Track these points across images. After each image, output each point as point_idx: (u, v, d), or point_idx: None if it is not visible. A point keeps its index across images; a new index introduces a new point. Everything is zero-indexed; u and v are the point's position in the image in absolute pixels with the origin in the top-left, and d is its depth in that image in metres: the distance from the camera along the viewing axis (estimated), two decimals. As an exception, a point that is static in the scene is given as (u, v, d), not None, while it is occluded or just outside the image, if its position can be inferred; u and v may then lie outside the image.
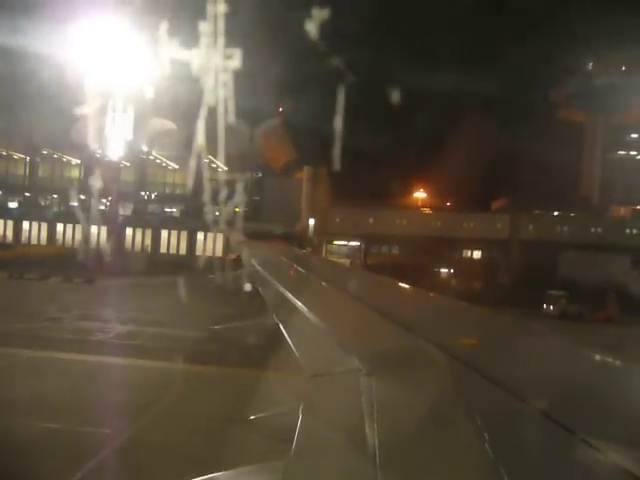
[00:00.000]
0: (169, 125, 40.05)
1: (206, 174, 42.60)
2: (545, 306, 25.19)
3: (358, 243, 41.41)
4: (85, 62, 28.32)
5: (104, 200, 36.57)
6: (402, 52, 45.02)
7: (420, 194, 49.65)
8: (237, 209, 36.36)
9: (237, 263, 18.92)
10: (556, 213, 44.62)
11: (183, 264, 29.46)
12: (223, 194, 40.01)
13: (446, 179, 46.70)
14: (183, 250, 35.27)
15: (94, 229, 31.95)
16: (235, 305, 18.00)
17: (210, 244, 34.57)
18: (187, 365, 10.53)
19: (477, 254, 42.48)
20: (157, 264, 29.71)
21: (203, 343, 12.03)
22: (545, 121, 48.31)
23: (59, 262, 26.42)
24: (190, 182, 42.62)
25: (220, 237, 34.03)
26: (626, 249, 34.23)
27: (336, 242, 41.46)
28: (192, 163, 44.73)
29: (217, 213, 42.25)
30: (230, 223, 38.41)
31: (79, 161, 40.49)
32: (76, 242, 33.82)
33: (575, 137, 48.25)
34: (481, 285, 36.10)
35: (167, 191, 43.23)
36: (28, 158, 41.34)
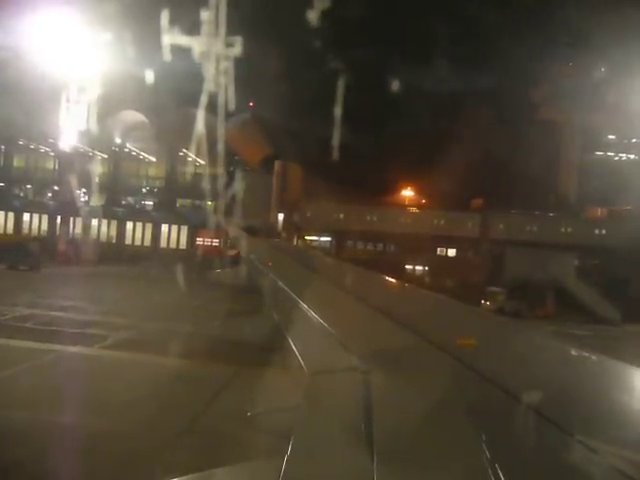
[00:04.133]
0: (143, 118, 40.24)
1: (180, 168, 42.95)
2: (483, 302, 25.32)
3: (329, 238, 41.53)
4: (56, 52, 28.58)
5: (73, 191, 36.81)
6: (380, 48, 44.94)
7: (396, 191, 49.63)
8: (210, 203, 36.55)
9: (236, 259, 19.17)
10: (533, 213, 44.59)
11: (141, 255, 29.78)
12: (196, 187, 40.31)
13: (423, 177, 46.81)
14: (148, 242, 35.58)
15: (59, 219, 32.22)
16: (166, 293, 18.32)
17: (175, 236, 34.82)
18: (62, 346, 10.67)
19: (452, 252, 42.54)
20: (117, 255, 29.93)
21: (88, 327, 12.43)
22: (525, 121, 48.29)
23: (16, 250, 26.67)
24: (163, 175, 42.92)
25: (185, 230, 34.29)
26: (592, 249, 34.36)
27: (307, 237, 41.56)
28: (167, 156, 45.07)
29: (189, 206, 42.53)
30: (201, 216, 38.62)
31: (53, 152, 40.76)
32: (42, 232, 34.18)
33: (554, 137, 48.23)
34: (452, 283, 36.19)
35: (142, 184, 43.48)
36: (3, 148, 41.63)
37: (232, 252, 28.05)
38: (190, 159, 42.42)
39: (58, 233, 30.49)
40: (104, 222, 35.62)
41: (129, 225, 36.03)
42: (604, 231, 39.77)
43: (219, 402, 7.68)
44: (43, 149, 41.10)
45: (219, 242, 33.38)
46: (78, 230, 33.40)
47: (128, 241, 35.50)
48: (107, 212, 34.84)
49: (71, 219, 33.35)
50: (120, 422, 6.40)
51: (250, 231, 34.86)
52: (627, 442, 1.73)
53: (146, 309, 15.45)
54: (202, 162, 39.18)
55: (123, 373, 8.77)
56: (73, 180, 35.37)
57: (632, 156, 48.06)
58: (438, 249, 42.05)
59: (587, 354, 3.11)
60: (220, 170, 40.85)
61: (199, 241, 33.84)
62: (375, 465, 1.57)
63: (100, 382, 8.01)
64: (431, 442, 1.79)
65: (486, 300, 25.51)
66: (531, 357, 3.02)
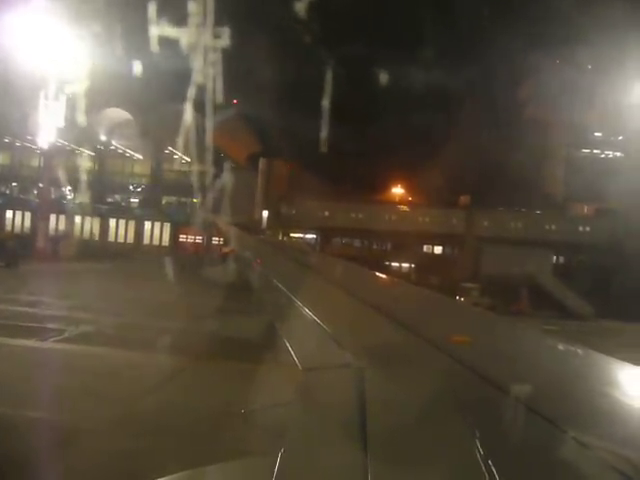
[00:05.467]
0: (129, 115, 40.21)
1: (166, 165, 42.95)
2: (457, 298, 25.44)
3: (314, 236, 41.59)
4: (40, 47, 28.50)
5: (57, 188, 36.81)
6: (368, 44, 44.97)
7: (384, 188, 49.70)
8: (195, 200, 36.57)
9: (231, 256, 19.18)
10: (520, 210, 44.76)
11: (123, 252, 29.81)
12: (182, 185, 40.27)
13: (410, 174, 46.92)
14: (131, 239, 35.63)
15: (40, 216, 32.22)
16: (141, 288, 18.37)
17: (158, 233, 34.88)
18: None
19: (438, 249, 42.66)
20: (98, 252, 29.92)
21: (49, 321, 12.48)
22: (512, 119, 48.43)
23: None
24: (148, 172, 42.93)
25: (167, 227, 34.35)
26: (577, 246, 34.59)
27: (292, 234, 41.63)
28: (152, 154, 45.00)
29: (175, 203, 42.53)
30: (186, 213, 38.62)
31: (38, 149, 40.70)
32: (24, 229, 34.21)
33: (541, 135, 48.32)
34: (436, 280, 36.32)
35: (128, 181, 43.53)
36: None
37: (226, 249, 28.12)
38: (176, 156, 42.41)
39: (38, 230, 30.47)
40: (87, 219, 35.61)
41: (112, 222, 36.06)
42: (588, 228, 39.97)
43: (155, 395, 7.75)
44: (29, 146, 41.04)
45: (202, 239, 33.49)
46: (61, 227, 33.38)
47: (111, 238, 35.55)
48: (90, 209, 34.84)
49: (53, 216, 33.32)
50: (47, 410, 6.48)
51: (242, 228, 35.05)
52: (620, 438, 1.74)
53: (113, 304, 15.46)
54: (188, 159, 39.24)
55: (66, 365, 8.83)
56: (57, 177, 35.35)
57: (618, 154, 48.24)
58: (425, 246, 42.18)
59: (579, 350, 3.14)
60: (205, 167, 41.03)
61: (182, 238, 33.90)
62: (369, 462, 1.57)
63: (41, 374, 8.08)
64: (425, 439, 1.80)
65: (460, 296, 25.65)
66: (524, 353, 3.05)
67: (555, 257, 39.08)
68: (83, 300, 15.93)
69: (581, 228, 39.40)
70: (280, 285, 5.49)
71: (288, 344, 2.98)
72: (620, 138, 47.71)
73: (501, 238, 35.38)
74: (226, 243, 33.22)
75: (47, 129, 28.04)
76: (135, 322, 13.38)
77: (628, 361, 2.69)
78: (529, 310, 22.33)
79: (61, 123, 27.65)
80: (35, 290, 17.10)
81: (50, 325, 12.23)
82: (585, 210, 46.80)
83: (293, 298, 4.39)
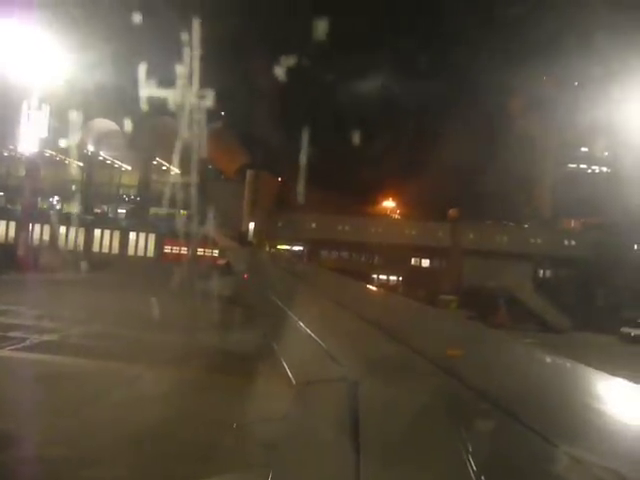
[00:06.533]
0: (118, 126, 40.32)
1: (154, 176, 43.00)
2: (435, 310, 25.36)
3: (301, 248, 41.60)
4: (26, 59, 28.66)
5: (43, 198, 36.89)
6: (349, 57, 45.36)
7: (373, 201, 49.85)
8: (183, 212, 36.56)
9: (226, 268, 19.16)
10: (507, 224, 44.98)
11: (106, 263, 29.72)
12: (169, 196, 40.22)
13: (399, 187, 47.12)
14: (116, 249, 35.55)
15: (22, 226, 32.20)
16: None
17: (142, 244, 34.82)
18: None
19: (425, 262, 42.71)
20: (81, 262, 29.82)
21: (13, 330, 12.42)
22: (501, 133, 48.81)
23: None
24: (137, 183, 42.97)
25: (152, 237, 34.29)
26: (563, 260, 34.81)
27: (279, 246, 41.62)
28: (140, 165, 45.02)
29: (162, 214, 42.47)
30: (172, 224, 38.54)
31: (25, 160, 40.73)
32: (9, 239, 34.08)
33: (529, 150, 48.72)
34: (423, 292, 36.31)
35: (116, 191, 43.55)
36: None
37: (221, 261, 28.11)
38: (164, 168, 42.50)
39: (19, 240, 30.40)
40: (72, 229, 35.51)
41: (97, 232, 35.98)
42: (574, 242, 40.16)
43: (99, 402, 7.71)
44: (16, 156, 41.07)
45: (188, 250, 33.40)
46: (45, 237, 33.29)
47: (95, 248, 35.44)
48: (75, 219, 34.79)
49: (38, 226, 33.23)
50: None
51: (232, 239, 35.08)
52: (608, 451, 1.75)
53: (84, 314, 15.40)
54: (176, 170, 39.30)
55: (14, 372, 8.79)
56: (42, 187, 35.35)
57: (604, 169, 48.65)
58: (413, 259, 42.23)
59: (568, 363, 3.15)
60: (194, 179, 41.24)
61: (167, 249, 33.85)
62: (361, 475, 1.57)
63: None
64: (418, 453, 1.80)
65: (438, 307, 25.60)
66: (514, 367, 3.06)
67: (542, 271, 39.24)
68: (54, 309, 15.88)
69: (567, 242, 39.59)
70: (267, 292, 5.64)
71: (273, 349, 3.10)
72: (606, 154, 48.12)
73: (485, 251, 35.48)
74: (216, 254, 33.25)
75: (31, 139, 28.09)
76: (102, 331, 13.33)
77: (602, 371, 2.76)
78: (508, 323, 22.36)
79: (45, 133, 27.69)
80: (7, 299, 17.00)
81: (13, 334, 12.17)
82: (572, 224, 47.13)
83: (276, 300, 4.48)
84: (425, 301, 23.34)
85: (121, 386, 8.47)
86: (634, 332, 22.20)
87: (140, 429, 6.45)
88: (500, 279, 27.67)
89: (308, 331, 3.55)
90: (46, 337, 12.04)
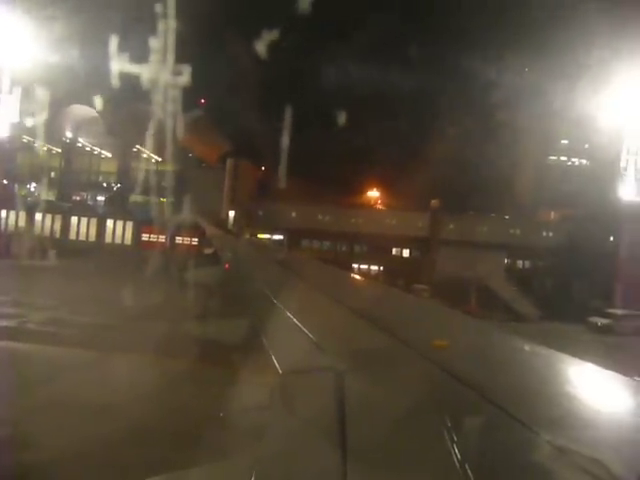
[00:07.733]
0: (96, 113, 39.85)
1: (134, 163, 42.64)
2: (407, 299, 25.57)
3: (281, 237, 41.58)
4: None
5: (22, 184, 36.42)
6: (333, 47, 45.16)
7: (356, 191, 49.87)
8: (163, 199, 36.31)
9: (213, 258, 19.06)
10: (489, 215, 45.31)
11: (82, 250, 29.57)
12: (149, 183, 39.92)
13: (381, 177, 47.21)
14: (93, 237, 35.31)
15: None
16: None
17: (120, 232, 34.62)
18: None
19: (405, 252, 42.94)
20: (56, 249, 29.59)
21: None
22: (483, 124, 49.01)
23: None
24: (115, 171, 42.61)
25: (130, 225, 34.08)
26: (540, 251, 35.22)
27: (259, 235, 41.59)
28: (120, 152, 44.60)
29: (141, 202, 42.17)
30: (150, 212, 38.26)
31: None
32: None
33: (510, 141, 49.02)
34: (403, 282, 36.56)
35: (95, 178, 43.17)
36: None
37: (208, 250, 28.00)
38: (145, 155, 42.11)
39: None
40: (48, 216, 35.15)
41: (74, 220, 35.69)
42: (552, 233, 40.61)
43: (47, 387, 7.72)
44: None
45: (165, 238, 33.24)
46: (20, 224, 32.91)
47: (72, 236, 35.17)
48: (52, 206, 34.48)
49: (13, 213, 32.85)
50: None
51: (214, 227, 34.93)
52: (592, 441, 1.79)
53: (49, 301, 15.34)
54: (157, 158, 39.01)
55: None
56: (18, 173, 34.89)
57: (584, 161, 49.12)
58: (394, 249, 42.42)
59: (553, 354, 3.23)
60: (174, 166, 40.98)
61: (145, 237, 33.66)
62: (347, 464, 1.60)
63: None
64: (402, 442, 1.82)
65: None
66: (497, 357, 3.12)
67: (520, 262, 39.64)
68: (19, 296, 15.77)
69: (544, 233, 40.01)
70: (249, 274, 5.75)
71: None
72: (586, 146, 48.53)
73: (464, 242, 35.77)
74: (195, 242, 33.12)
75: (2, 123, 27.66)
76: (65, 318, 13.29)
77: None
78: (479, 312, 22.64)
79: (16, 117, 27.28)
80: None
81: (-31, 320, 12.10)
82: (552, 216, 47.60)
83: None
84: (402, 290, 23.54)
85: (76, 371, 8.46)
86: (601, 322, 22.60)
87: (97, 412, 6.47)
88: (474, 269, 27.97)
89: (295, 321, 3.61)
90: (4, 323, 11.97)
